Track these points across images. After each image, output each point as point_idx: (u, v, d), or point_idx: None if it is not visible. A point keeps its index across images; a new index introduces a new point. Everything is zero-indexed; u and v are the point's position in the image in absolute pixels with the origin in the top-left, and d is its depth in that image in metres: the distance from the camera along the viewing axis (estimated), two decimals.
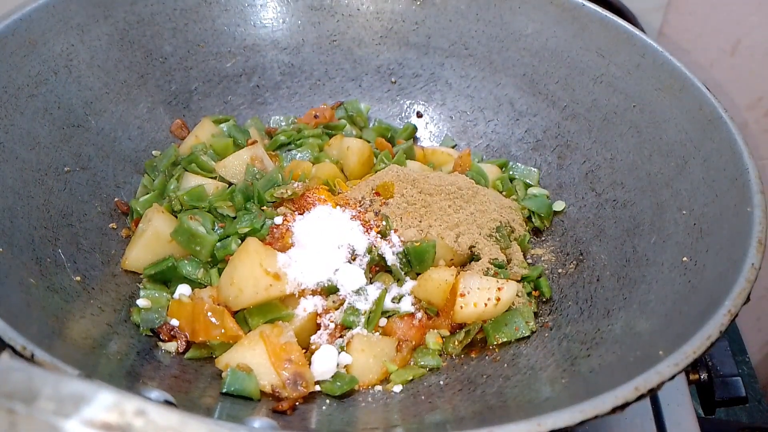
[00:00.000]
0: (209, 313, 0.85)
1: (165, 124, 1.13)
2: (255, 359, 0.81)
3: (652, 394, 0.65)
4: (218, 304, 0.86)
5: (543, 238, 1.08)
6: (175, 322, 0.86)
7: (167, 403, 0.67)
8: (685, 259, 0.84)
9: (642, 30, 1.09)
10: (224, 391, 0.79)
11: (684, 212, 0.90)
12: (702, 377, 0.94)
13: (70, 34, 1.02)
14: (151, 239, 0.92)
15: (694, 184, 0.91)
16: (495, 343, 0.90)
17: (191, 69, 1.16)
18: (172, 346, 0.86)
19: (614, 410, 0.62)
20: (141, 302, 0.88)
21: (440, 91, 1.23)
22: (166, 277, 0.91)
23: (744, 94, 1.24)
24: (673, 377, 0.66)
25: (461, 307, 0.89)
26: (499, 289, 0.90)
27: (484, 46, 1.19)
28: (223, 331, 0.84)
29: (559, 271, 1.01)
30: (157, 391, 0.66)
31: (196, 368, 0.84)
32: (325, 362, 0.84)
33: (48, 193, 0.91)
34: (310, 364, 0.84)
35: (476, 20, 1.18)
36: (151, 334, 0.86)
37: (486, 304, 0.89)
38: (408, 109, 1.25)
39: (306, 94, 1.24)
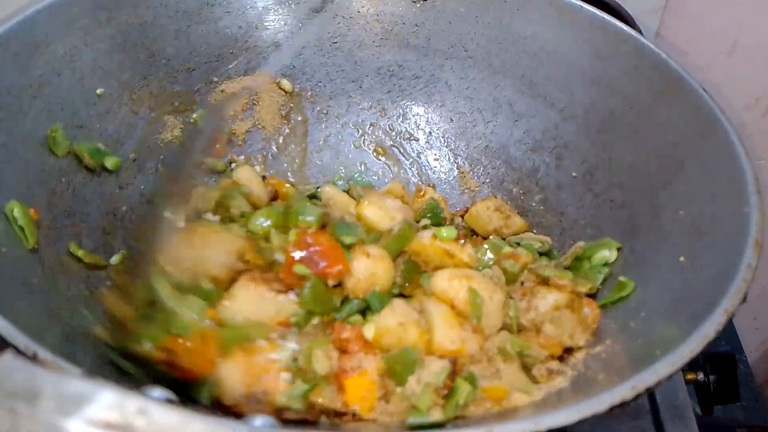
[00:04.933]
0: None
1: None
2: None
3: (649, 392, 0.65)
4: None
5: None
6: None
7: (169, 401, 0.67)
8: (682, 259, 0.85)
9: (639, 32, 1.10)
10: None
11: (681, 213, 0.90)
12: (699, 376, 0.94)
13: (73, 36, 1.02)
14: None
15: (691, 184, 0.91)
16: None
17: (194, 71, 1.17)
18: None
19: (612, 409, 0.63)
20: None
21: (440, 92, 1.24)
22: None
23: (741, 95, 1.24)
24: (670, 377, 0.66)
25: None
26: None
27: (483, 48, 1.19)
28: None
29: None
30: (159, 389, 0.66)
31: None
32: None
33: (51, 194, 0.92)
34: None
35: (475, 22, 1.18)
36: None
37: None
38: (407, 109, 1.26)
39: None
